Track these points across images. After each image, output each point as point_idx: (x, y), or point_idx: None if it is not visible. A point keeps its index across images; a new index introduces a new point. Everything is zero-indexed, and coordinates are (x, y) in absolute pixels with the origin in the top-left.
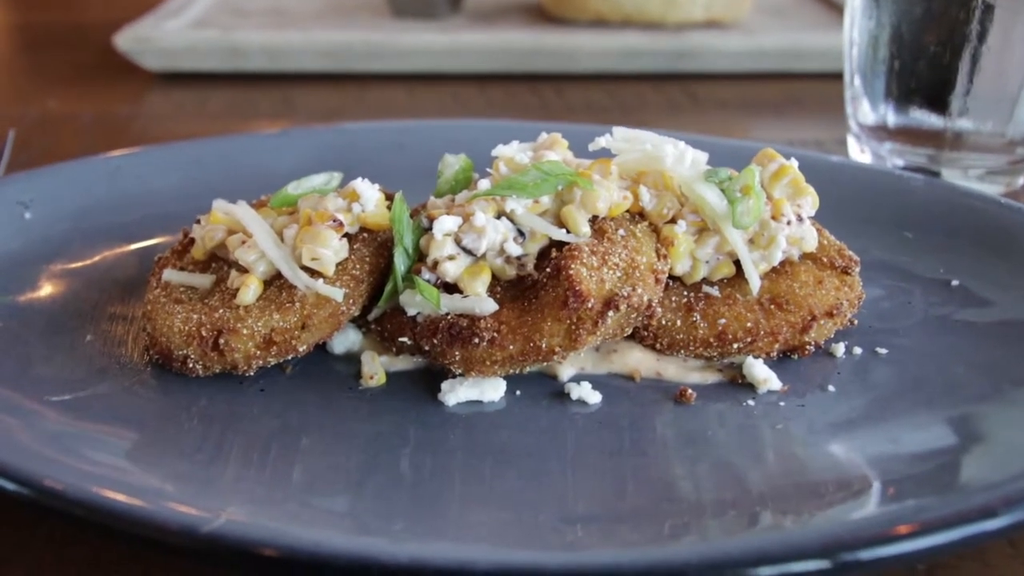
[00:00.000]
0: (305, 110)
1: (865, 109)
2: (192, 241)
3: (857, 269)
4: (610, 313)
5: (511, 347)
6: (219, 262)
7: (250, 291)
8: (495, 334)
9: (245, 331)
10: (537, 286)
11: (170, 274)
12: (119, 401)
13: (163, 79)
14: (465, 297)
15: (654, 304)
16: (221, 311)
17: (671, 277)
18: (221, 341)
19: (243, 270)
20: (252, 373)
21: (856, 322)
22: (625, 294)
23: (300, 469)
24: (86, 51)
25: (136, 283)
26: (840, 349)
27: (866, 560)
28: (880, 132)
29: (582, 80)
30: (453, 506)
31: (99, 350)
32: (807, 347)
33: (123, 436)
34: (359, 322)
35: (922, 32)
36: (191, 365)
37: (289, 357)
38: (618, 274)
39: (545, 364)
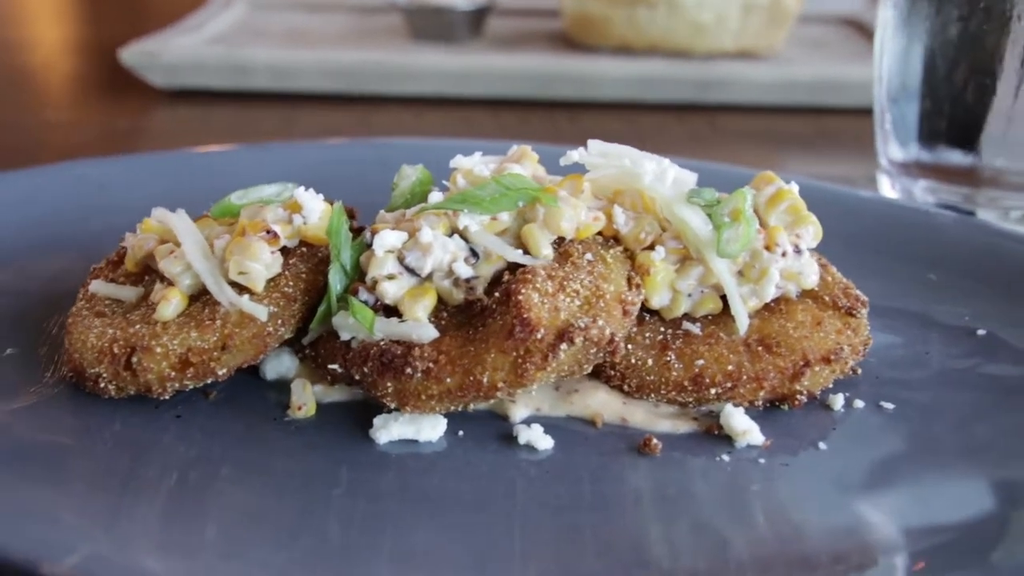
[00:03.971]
0: (304, 130)
1: (895, 144)
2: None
3: (864, 311)
4: (563, 346)
5: (448, 380)
6: (152, 275)
7: (170, 306)
8: (431, 365)
9: (159, 349)
10: (486, 313)
11: (97, 285)
12: (23, 420)
13: (169, 96)
14: (402, 322)
15: (618, 339)
16: (138, 327)
17: (650, 311)
18: (134, 359)
19: (170, 283)
20: (167, 396)
21: (860, 371)
22: (582, 325)
23: (207, 507)
24: (99, 65)
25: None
26: (838, 401)
27: None
28: (912, 169)
29: (600, 108)
30: (380, 566)
31: (16, 365)
32: (798, 397)
33: (17, 458)
34: (296, 347)
35: (955, 64)
36: (103, 385)
37: (209, 381)
38: (577, 302)
39: (492, 402)
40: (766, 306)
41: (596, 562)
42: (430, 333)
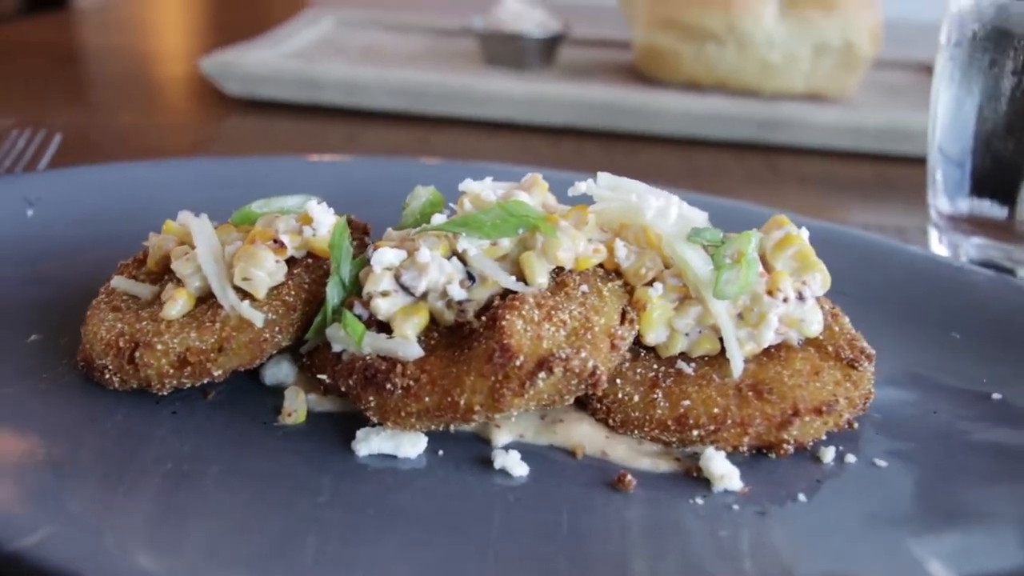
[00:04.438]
0: (366, 146)
1: (944, 197)
2: None
3: (868, 364)
4: (541, 375)
5: (427, 399)
6: (171, 274)
7: (176, 305)
8: (411, 382)
9: (160, 347)
10: (472, 336)
11: (118, 281)
12: (28, 404)
13: (243, 105)
14: (390, 338)
15: (600, 372)
16: (144, 323)
17: (647, 347)
18: (137, 354)
19: (181, 283)
20: (165, 393)
21: (856, 425)
22: (563, 356)
23: (188, 502)
24: (186, 73)
25: None
26: (829, 454)
27: None
28: (959, 223)
29: (660, 143)
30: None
31: (36, 351)
32: (784, 446)
33: (15, 439)
34: (296, 355)
35: (1004, 118)
36: (108, 376)
37: (205, 381)
38: (563, 332)
39: (473, 425)
40: (766, 352)
41: None
42: (415, 351)
